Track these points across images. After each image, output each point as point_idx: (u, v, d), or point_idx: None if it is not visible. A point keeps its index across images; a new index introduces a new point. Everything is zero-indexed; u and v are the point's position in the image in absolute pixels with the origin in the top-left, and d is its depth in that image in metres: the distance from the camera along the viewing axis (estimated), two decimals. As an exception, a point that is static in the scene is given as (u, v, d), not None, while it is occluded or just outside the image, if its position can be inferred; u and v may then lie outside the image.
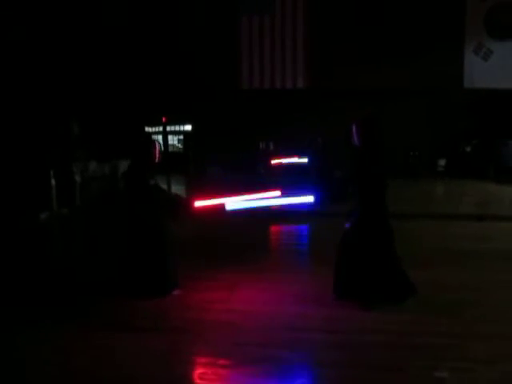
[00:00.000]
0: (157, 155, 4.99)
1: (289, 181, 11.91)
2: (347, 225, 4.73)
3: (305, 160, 12.54)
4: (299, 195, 4.86)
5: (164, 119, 16.80)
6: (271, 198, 5.47)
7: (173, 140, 21.64)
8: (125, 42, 18.30)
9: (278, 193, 5.79)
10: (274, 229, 9.12)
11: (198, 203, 5.02)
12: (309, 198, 4.76)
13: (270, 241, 8.62)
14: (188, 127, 21.48)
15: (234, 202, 5.12)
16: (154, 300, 4.84)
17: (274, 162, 12.92)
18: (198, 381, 3.51)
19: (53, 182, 9.95)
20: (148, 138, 5.66)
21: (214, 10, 17.29)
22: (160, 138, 21.45)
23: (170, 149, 21.15)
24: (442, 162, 19.73)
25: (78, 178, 10.86)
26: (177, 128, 21.39)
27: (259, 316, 4.52)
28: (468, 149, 19.73)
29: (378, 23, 18.00)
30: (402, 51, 17.81)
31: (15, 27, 14.24)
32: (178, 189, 13.06)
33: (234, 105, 18.83)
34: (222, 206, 5.17)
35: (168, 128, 20.35)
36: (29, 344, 3.97)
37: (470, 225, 9.17)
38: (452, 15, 15.75)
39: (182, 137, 21.95)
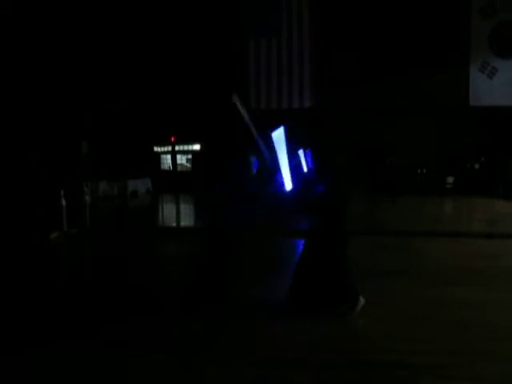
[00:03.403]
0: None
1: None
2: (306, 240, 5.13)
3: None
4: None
5: (173, 139, 17.02)
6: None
7: (181, 159, 21.85)
8: (135, 64, 18.68)
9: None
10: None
11: None
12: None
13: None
14: (196, 147, 21.70)
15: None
16: (154, 319, 4.86)
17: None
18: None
19: (63, 202, 10.06)
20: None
21: (222, 34, 17.65)
22: (169, 157, 21.73)
23: (179, 168, 21.36)
24: (450, 179, 19.68)
25: (88, 198, 10.97)
26: (185, 147, 21.61)
27: (265, 336, 4.51)
28: (476, 166, 19.67)
29: (384, 43, 18.24)
30: (408, 70, 17.99)
31: (28, 50, 14.61)
32: (186, 208, 13.10)
33: (242, 124, 19.04)
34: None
35: (176, 147, 20.58)
36: (38, 363, 3.98)
37: (480, 242, 9.11)
38: (457, 34, 15.94)
39: (190, 156, 22.15)
